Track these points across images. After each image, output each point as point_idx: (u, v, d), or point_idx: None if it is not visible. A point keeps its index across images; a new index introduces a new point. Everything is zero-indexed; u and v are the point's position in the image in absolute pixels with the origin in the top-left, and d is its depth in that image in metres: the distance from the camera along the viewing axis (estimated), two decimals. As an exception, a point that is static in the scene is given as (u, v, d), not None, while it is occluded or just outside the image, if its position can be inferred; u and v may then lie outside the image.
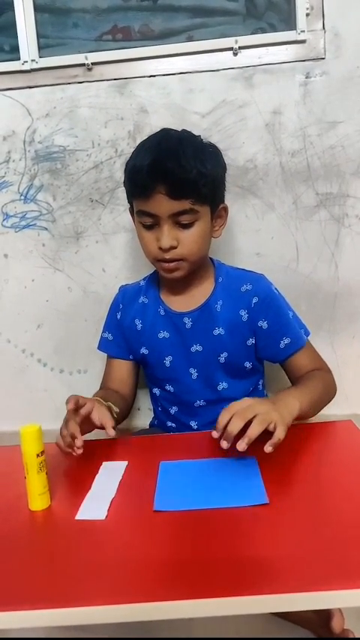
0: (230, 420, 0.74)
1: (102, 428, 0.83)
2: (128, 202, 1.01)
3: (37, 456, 0.68)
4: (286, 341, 0.99)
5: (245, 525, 0.64)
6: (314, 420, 0.92)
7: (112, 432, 0.82)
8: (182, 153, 0.88)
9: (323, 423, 0.90)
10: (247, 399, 0.77)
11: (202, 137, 0.97)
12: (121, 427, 1.35)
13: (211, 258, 1.07)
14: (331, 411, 1.32)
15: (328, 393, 0.96)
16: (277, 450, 0.80)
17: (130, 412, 1.14)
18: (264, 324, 0.99)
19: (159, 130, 0.98)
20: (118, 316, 1.09)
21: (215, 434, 0.76)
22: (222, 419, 0.75)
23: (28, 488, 0.69)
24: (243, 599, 0.53)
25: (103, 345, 1.12)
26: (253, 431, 0.72)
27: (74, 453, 0.78)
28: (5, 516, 0.70)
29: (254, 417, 0.73)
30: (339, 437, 0.86)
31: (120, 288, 1.13)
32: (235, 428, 0.72)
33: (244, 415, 0.73)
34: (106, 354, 1.13)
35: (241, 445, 0.72)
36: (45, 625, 0.56)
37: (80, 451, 0.78)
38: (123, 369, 1.09)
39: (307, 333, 1.04)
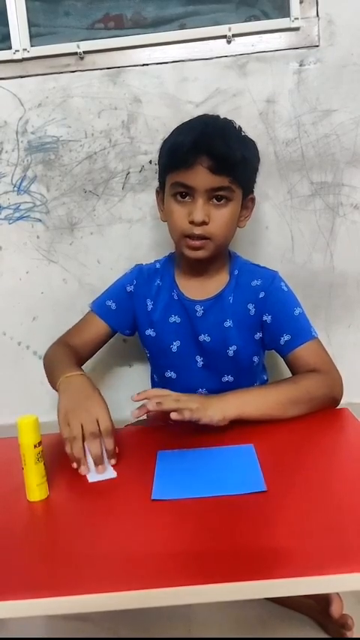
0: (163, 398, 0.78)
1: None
2: (159, 181, 1.01)
3: (35, 446, 0.68)
4: (286, 337, 0.97)
5: (243, 512, 0.64)
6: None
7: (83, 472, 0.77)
8: (227, 134, 0.91)
9: (320, 411, 0.90)
10: (181, 394, 0.82)
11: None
12: (119, 419, 1.36)
13: (228, 250, 1.07)
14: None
15: (317, 401, 0.89)
16: (275, 438, 0.81)
17: (130, 403, 1.14)
18: (268, 319, 0.99)
19: (200, 115, 1.00)
20: (129, 289, 1.07)
21: (137, 397, 0.80)
22: (151, 394, 0.80)
23: (25, 479, 0.69)
24: (241, 585, 0.54)
25: (100, 309, 1.08)
26: (167, 405, 0.77)
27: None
28: (4, 507, 0.70)
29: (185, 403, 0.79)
30: (335, 424, 0.87)
31: (135, 266, 1.11)
32: (152, 406, 0.77)
33: (171, 397, 0.80)
34: (108, 338, 1.10)
35: (152, 404, 0.77)
36: (45, 613, 0.56)
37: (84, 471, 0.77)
38: (101, 332, 1.07)
39: (314, 333, 0.99)
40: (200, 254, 0.95)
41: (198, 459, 0.78)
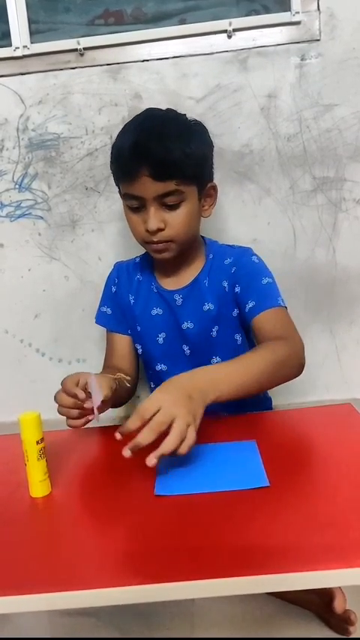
0: (143, 430, 0.66)
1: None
2: (116, 185, 1.00)
3: (37, 443, 0.68)
4: (250, 304, 0.95)
5: (246, 508, 0.64)
6: (314, 403, 0.92)
7: (80, 396, 0.76)
8: (165, 133, 0.87)
9: (323, 406, 0.90)
10: (162, 395, 0.69)
11: (187, 116, 0.95)
12: (121, 415, 1.36)
13: (203, 237, 1.06)
14: (330, 396, 1.33)
15: (284, 365, 0.84)
16: (278, 434, 0.81)
17: (132, 399, 1.14)
18: (238, 290, 0.99)
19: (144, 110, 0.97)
20: (114, 289, 1.09)
21: (118, 435, 0.69)
22: (131, 425, 0.67)
23: (28, 475, 0.69)
24: (244, 580, 0.53)
25: (100, 319, 1.11)
26: (168, 448, 0.65)
27: (91, 416, 0.77)
28: (7, 503, 0.70)
29: (172, 423, 0.67)
30: (339, 420, 0.86)
31: (115, 264, 1.13)
32: (144, 442, 0.66)
33: (159, 429, 0.66)
34: (104, 335, 1.12)
35: (151, 461, 0.65)
36: (48, 608, 0.56)
37: (82, 395, 0.76)
38: (123, 343, 1.09)
39: (282, 302, 0.96)
40: (165, 255, 0.96)
41: (201, 454, 0.77)
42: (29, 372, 1.41)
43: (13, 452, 0.76)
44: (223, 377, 0.76)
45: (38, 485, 0.69)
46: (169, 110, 0.96)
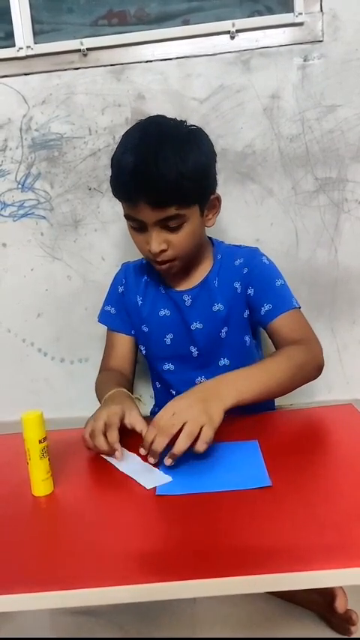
0: (155, 437, 0.72)
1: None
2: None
3: (40, 442, 0.68)
4: (267, 307, 0.97)
5: (248, 507, 0.64)
6: (316, 403, 0.92)
7: (117, 457, 0.78)
8: (163, 157, 0.83)
9: (325, 407, 0.90)
10: (175, 404, 0.74)
11: (186, 124, 0.92)
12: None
13: (210, 238, 1.07)
14: (332, 396, 1.33)
15: (304, 368, 0.88)
16: (280, 434, 0.81)
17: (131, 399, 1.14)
18: (251, 291, 0.99)
19: (144, 119, 0.94)
20: (121, 290, 1.09)
21: (143, 451, 0.75)
22: (148, 436, 0.73)
23: (30, 474, 0.70)
24: (246, 579, 0.54)
25: (104, 318, 1.11)
26: (179, 447, 0.70)
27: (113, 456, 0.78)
28: (9, 502, 0.70)
29: (183, 425, 0.71)
30: (340, 420, 0.87)
31: (123, 264, 1.13)
32: (159, 447, 0.71)
33: (169, 431, 0.71)
34: (105, 335, 1.12)
35: (167, 462, 0.71)
36: (50, 607, 0.56)
37: (119, 456, 0.77)
38: (125, 344, 1.09)
39: (296, 303, 0.98)
40: (171, 271, 0.97)
41: (202, 454, 0.78)
42: (31, 372, 1.41)
43: (15, 451, 0.77)
44: (243, 382, 0.80)
45: (40, 484, 0.69)
46: (168, 122, 0.92)
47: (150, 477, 0.71)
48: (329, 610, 0.90)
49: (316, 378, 0.90)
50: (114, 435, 0.77)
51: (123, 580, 0.54)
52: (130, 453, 0.78)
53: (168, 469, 0.73)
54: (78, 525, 0.65)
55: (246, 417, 0.85)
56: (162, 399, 1.14)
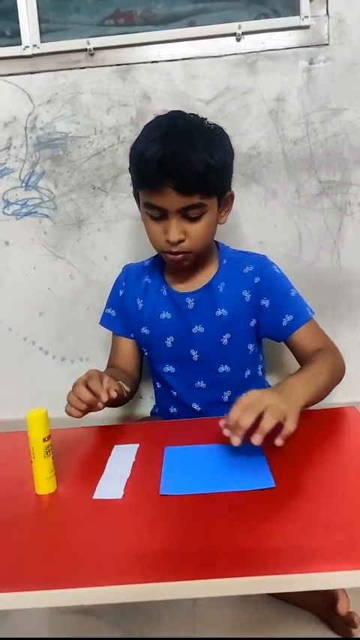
0: (240, 416, 0.71)
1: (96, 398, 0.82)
2: (133, 189, 1.00)
3: (44, 440, 0.68)
4: (289, 318, 0.99)
5: (251, 508, 0.64)
6: (318, 406, 0.92)
7: (103, 399, 0.81)
8: (191, 146, 0.86)
9: (327, 409, 0.90)
10: (254, 392, 0.75)
11: (208, 121, 0.95)
12: (123, 415, 1.36)
13: (215, 241, 1.07)
14: (334, 399, 1.32)
15: (335, 373, 0.93)
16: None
17: (133, 400, 1.14)
18: (266, 303, 1.00)
19: (166, 112, 0.95)
20: (121, 293, 1.09)
21: (226, 432, 0.73)
22: (233, 414, 0.72)
23: (34, 472, 0.70)
24: (247, 580, 0.54)
25: (105, 321, 1.12)
26: (267, 423, 0.70)
27: (99, 404, 0.81)
28: (12, 500, 0.70)
29: (265, 409, 0.72)
30: (343, 423, 0.87)
31: (124, 267, 1.13)
32: (246, 422, 0.70)
33: (256, 409, 0.71)
34: (108, 335, 1.13)
35: (257, 438, 0.69)
36: (51, 605, 0.56)
37: (105, 398, 0.80)
38: (127, 346, 1.10)
39: (311, 312, 1.02)
40: (183, 264, 0.97)
41: (206, 455, 0.78)
42: (32, 370, 1.41)
43: (17, 449, 0.77)
44: (304, 386, 0.82)
45: (44, 482, 0.69)
46: (192, 116, 0.94)
47: (109, 488, 0.70)
48: (331, 612, 0.90)
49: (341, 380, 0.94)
50: (97, 384, 0.80)
51: (125, 579, 0.54)
52: (131, 453, 0.78)
53: (172, 470, 0.73)
54: (80, 524, 0.64)
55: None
56: (162, 399, 1.14)
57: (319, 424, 0.85)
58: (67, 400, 0.83)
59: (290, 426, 0.72)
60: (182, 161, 0.84)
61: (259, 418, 0.70)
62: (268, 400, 0.73)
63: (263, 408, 0.71)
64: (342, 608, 0.88)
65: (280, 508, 0.64)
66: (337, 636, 0.93)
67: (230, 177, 0.98)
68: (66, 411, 0.84)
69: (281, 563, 0.55)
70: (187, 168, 0.85)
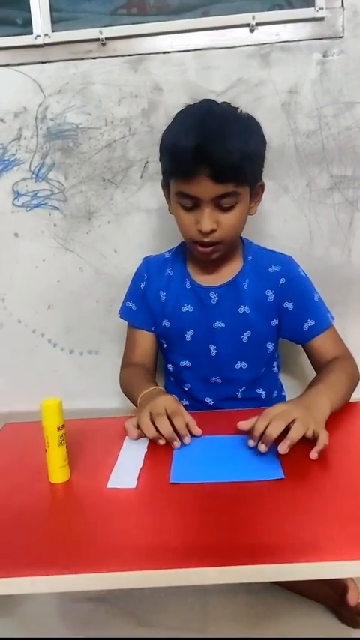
0: (269, 425, 0.73)
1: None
2: (163, 178, 0.98)
3: (58, 429, 0.69)
4: (310, 323, 0.99)
5: (261, 498, 0.65)
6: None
7: (186, 442, 0.79)
8: (227, 133, 0.85)
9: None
10: (282, 404, 0.78)
11: (241, 109, 0.94)
12: (132, 408, 1.36)
13: (240, 237, 1.06)
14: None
15: (353, 382, 0.94)
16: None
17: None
18: (290, 305, 1.00)
19: (199, 101, 0.95)
20: (142, 286, 1.08)
21: (252, 442, 0.75)
22: (260, 425, 0.73)
23: (48, 461, 0.70)
24: (257, 568, 0.54)
25: (125, 314, 1.11)
26: (296, 433, 0.72)
27: (175, 443, 0.78)
28: (27, 488, 0.71)
29: (293, 420, 0.73)
30: (351, 417, 0.87)
31: (144, 259, 1.12)
32: (275, 431, 0.72)
33: (285, 419, 0.73)
34: (117, 328, 1.13)
35: (283, 447, 0.71)
36: (65, 590, 0.57)
37: (187, 442, 0.79)
38: (147, 340, 1.09)
39: (332, 318, 1.03)
40: (212, 256, 0.97)
41: (216, 445, 0.78)
42: (41, 363, 1.41)
43: (31, 439, 0.77)
44: (326, 401, 0.83)
45: (58, 471, 0.70)
46: (226, 105, 0.94)
47: (123, 477, 0.71)
48: (340, 602, 0.90)
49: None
50: (181, 423, 0.78)
51: (135, 565, 0.55)
52: (143, 443, 0.79)
53: (182, 459, 0.73)
54: (93, 512, 0.65)
55: (260, 412, 0.85)
56: (174, 393, 1.14)
57: (329, 418, 0.85)
58: (139, 422, 0.80)
59: (324, 439, 0.73)
60: (219, 149, 0.84)
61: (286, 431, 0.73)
62: (297, 413, 0.74)
63: (291, 420, 0.73)
64: (352, 598, 0.88)
65: (289, 498, 0.64)
66: (346, 627, 0.93)
67: (262, 167, 0.97)
68: (126, 427, 0.82)
69: (290, 552, 0.55)
70: (224, 156, 0.84)
